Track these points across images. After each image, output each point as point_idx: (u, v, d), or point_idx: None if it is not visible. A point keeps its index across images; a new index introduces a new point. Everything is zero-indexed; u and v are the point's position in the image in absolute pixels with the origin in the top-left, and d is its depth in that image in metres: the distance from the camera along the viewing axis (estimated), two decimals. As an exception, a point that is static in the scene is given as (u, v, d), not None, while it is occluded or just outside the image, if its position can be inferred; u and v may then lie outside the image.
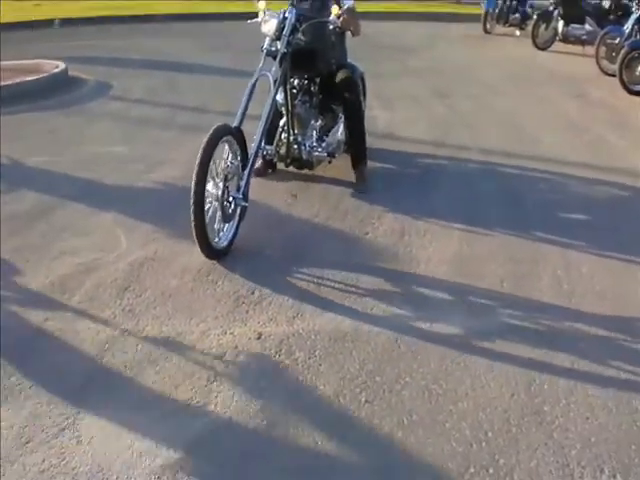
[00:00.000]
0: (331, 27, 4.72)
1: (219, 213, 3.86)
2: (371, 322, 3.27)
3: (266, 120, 4.19)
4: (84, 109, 7.54)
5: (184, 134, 6.41)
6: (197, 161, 3.64)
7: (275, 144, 4.83)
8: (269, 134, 4.72)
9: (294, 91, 4.84)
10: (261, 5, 4.53)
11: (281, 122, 4.82)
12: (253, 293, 3.54)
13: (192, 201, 3.61)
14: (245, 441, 2.52)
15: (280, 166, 5.18)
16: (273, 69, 4.35)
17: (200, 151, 3.66)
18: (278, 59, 4.37)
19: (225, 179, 3.85)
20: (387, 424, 2.59)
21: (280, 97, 4.66)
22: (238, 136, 3.98)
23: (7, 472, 2.39)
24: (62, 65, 9.05)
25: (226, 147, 3.92)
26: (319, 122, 5.07)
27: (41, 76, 8.54)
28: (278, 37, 4.40)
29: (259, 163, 5.10)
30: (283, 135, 4.78)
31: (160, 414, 2.67)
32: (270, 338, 3.14)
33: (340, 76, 5.02)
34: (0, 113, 7.08)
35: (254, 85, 4.21)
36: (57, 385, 2.86)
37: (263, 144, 4.64)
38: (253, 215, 4.13)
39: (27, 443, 2.54)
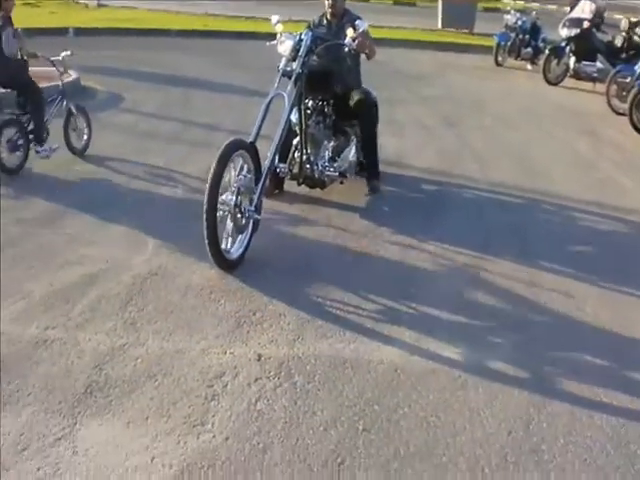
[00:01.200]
0: (346, 49, 4.77)
1: (231, 224, 3.95)
2: (372, 349, 3.27)
3: (280, 138, 4.26)
4: (95, 119, 7.56)
5: (193, 150, 6.45)
6: (211, 171, 3.73)
7: (288, 162, 4.91)
8: (283, 152, 4.82)
9: (308, 111, 4.90)
10: (278, 28, 4.62)
11: (295, 141, 4.89)
12: (255, 314, 3.54)
13: (205, 208, 3.70)
14: (240, 464, 2.51)
15: (288, 187, 5.20)
16: (288, 89, 4.40)
17: (214, 162, 3.75)
18: (293, 79, 4.43)
19: (238, 191, 3.91)
20: (384, 454, 2.58)
21: (294, 117, 4.71)
22: (252, 151, 4.06)
23: (3, 478, 2.38)
24: (74, 74, 9.09)
25: (240, 161, 4.00)
26: (332, 142, 5.16)
27: (52, 84, 8.56)
28: (294, 58, 4.49)
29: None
30: (296, 154, 4.86)
31: (157, 430, 2.66)
32: (270, 360, 3.14)
33: (355, 98, 5.16)
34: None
35: (269, 104, 4.28)
36: (55, 394, 2.86)
37: (277, 162, 4.71)
38: (259, 233, 4.15)
39: (23, 450, 2.53)
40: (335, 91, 5.03)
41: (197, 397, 2.87)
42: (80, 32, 14.90)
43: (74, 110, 6.22)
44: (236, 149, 3.90)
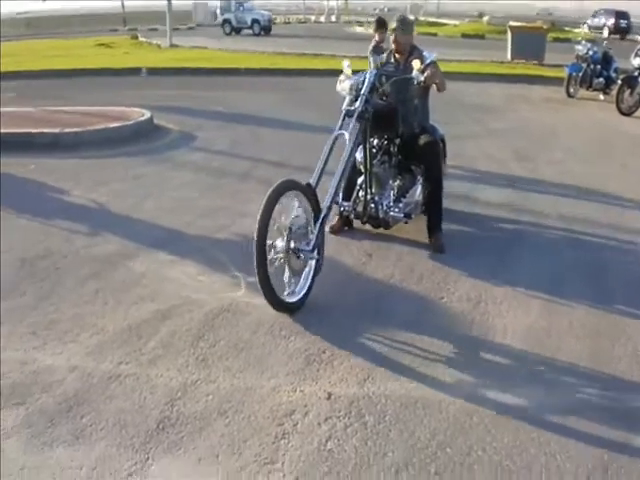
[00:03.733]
0: (415, 83, 4.69)
1: (287, 266, 3.87)
2: (443, 390, 3.20)
3: (340, 177, 4.21)
4: (167, 158, 7.79)
5: (262, 187, 6.51)
6: (259, 215, 3.69)
7: (352, 201, 4.89)
8: (347, 191, 4.86)
9: (373, 150, 4.88)
10: (347, 70, 4.58)
11: (359, 180, 4.87)
12: (325, 352, 3.52)
13: (255, 253, 3.66)
14: (311, 505, 2.49)
15: (356, 224, 5.20)
16: (350, 127, 4.37)
17: (262, 205, 3.72)
18: (355, 117, 4.37)
19: (290, 233, 3.85)
20: (457, 499, 2.51)
21: (359, 155, 4.71)
22: (308, 191, 4.01)
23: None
24: (147, 114, 9.39)
25: (294, 202, 3.95)
26: (397, 182, 5.09)
27: (126, 123, 8.88)
28: (356, 97, 4.42)
29: (335, 220, 5.18)
30: (361, 193, 4.83)
31: (227, 468, 2.67)
32: (340, 399, 3.11)
33: (422, 140, 5.04)
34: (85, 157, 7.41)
35: (332, 145, 4.26)
36: (128, 429, 2.91)
37: (340, 200, 4.71)
38: (327, 272, 4.14)
39: (96, 487, 2.57)
40: (401, 131, 4.96)
41: (267, 435, 2.86)
42: (153, 72, 15.44)
43: None
44: (284, 191, 3.83)
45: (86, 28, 37.34)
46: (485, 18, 43.64)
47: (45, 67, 15.86)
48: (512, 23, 19.33)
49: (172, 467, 2.68)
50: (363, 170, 4.76)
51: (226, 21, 33.29)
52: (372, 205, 4.79)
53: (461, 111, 10.94)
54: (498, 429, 2.91)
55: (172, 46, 22.70)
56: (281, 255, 3.82)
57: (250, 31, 32.43)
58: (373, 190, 4.81)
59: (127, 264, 4.65)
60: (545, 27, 19.70)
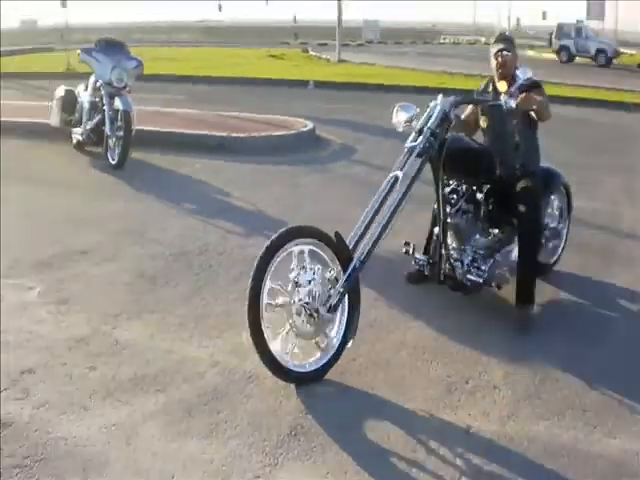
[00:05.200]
0: (504, 110, 3.86)
1: (288, 327, 3.25)
2: (592, 440, 2.94)
3: (384, 227, 3.42)
4: (327, 169, 7.88)
5: (423, 207, 6.38)
6: (253, 268, 3.17)
7: (429, 255, 4.20)
8: (426, 243, 4.30)
9: (453, 197, 4.04)
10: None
11: (436, 230, 4.09)
12: (467, 382, 3.37)
13: (247, 309, 3.14)
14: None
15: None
16: (406, 166, 3.57)
17: (258, 256, 3.19)
18: (415, 154, 3.56)
19: (296, 285, 3.22)
20: None
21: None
22: (332, 242, 3.34)
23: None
24: (310, 124, 9.56)
25: (305, 254, 3.32)
26: (485, 238, 4.15)
27: (289, 132, 9.10)
28: (420, 131, 3.64)
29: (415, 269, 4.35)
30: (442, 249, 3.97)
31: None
32: (479, 435, 2.95)
33: (519, 185, 4.08)
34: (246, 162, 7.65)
35: (390, 188, 3.51)
36: (261, 431, 2.91)
37: (416, 253, 4.11)
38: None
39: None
40: (499, 173, 4.11)
41: (399, 460, 2.76)
42: (319, 85, 15.77)
43: None
44: (288, 240, 3.24)
45: (259, 40, 38.96)
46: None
47: (218, 74, 16.66)
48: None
49: (299, 476, 2.65)
50: (438, 221, 3.95)
51: (563, 48, 30.14)
52: (449, 264, 3.94)
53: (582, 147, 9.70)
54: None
55: (340, 61, 23.16)
56: (287, 314, 3.22)
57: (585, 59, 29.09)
58: (453, 245, 4.01)
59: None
60: None
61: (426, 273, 4.18)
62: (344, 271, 3.30)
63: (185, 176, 7.19)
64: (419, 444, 2.86)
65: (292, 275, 3.23)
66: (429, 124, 3.61)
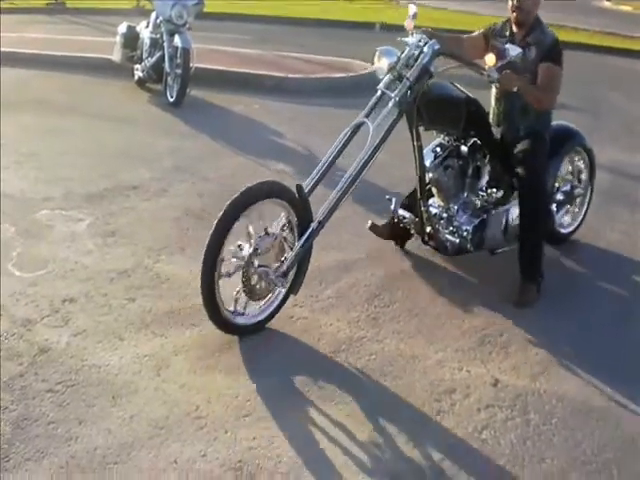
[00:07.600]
0: (487, 80, 3.38)
1: (241, 282, 3.05)
2: (625, 403, 2.87)
3: (348, 183, 3.21)
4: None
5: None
6: (215, 222, 2.97)
7: (417, 213, 3.76)
8: (411, 200, 3.84)
9: (438, 150, 3.71)
10: (408, 25, 3.63)
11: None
12: (501, 335, 3.31)
13: (202, 263, 2.96)
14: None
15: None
16: (383, 113, 3.33)
17: (217, 218, 2.98)
18: (390, 105, 3.30)
19: (255, 251, 3.02)
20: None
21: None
22: (295, 199, 3.12)
23: (220, 438, 2.49)
24: (371, 67, 9.34)
25: (282, 212, 3.17)
26: (474, 197, 3.77)
27: (349, 74, 8.95)
28: (399, 77, 3.34)
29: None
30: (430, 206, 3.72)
31: (373, 432, 2.61)
32: (507, 389, 2.91)
33: (520, 146, 3.66)
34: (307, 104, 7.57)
35: (350, 135, 3.35)
36: (296, 369, 2.96)
37: (398, 208, 3.80)
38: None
39: (245, 416, 2.65)
40: (502, 130, 3.80)
41: (422, 408, 2.76)
42: (385, 28, 15.39)
43: None
44: (255, 200, 3.01)
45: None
46: None
47: (280, 14, 16.42)
48: None
49: (321, 416, 2.68)
50: (416, 176, 3.60)
51: None
52: (430, 222, 3.65)
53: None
54: (682, 462, 2.57)
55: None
56: (242, 264, 3.03)
57: None
58: (438, 203, 3.73)
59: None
60: None
61: (412, 232, 3.93)
62: (301, 229, 3.15)
63: (241, 115, 7.18)
64: (444, 393, 2.85)
65: (250, 237, 3.04)
66: (409, 75, 3.29)
